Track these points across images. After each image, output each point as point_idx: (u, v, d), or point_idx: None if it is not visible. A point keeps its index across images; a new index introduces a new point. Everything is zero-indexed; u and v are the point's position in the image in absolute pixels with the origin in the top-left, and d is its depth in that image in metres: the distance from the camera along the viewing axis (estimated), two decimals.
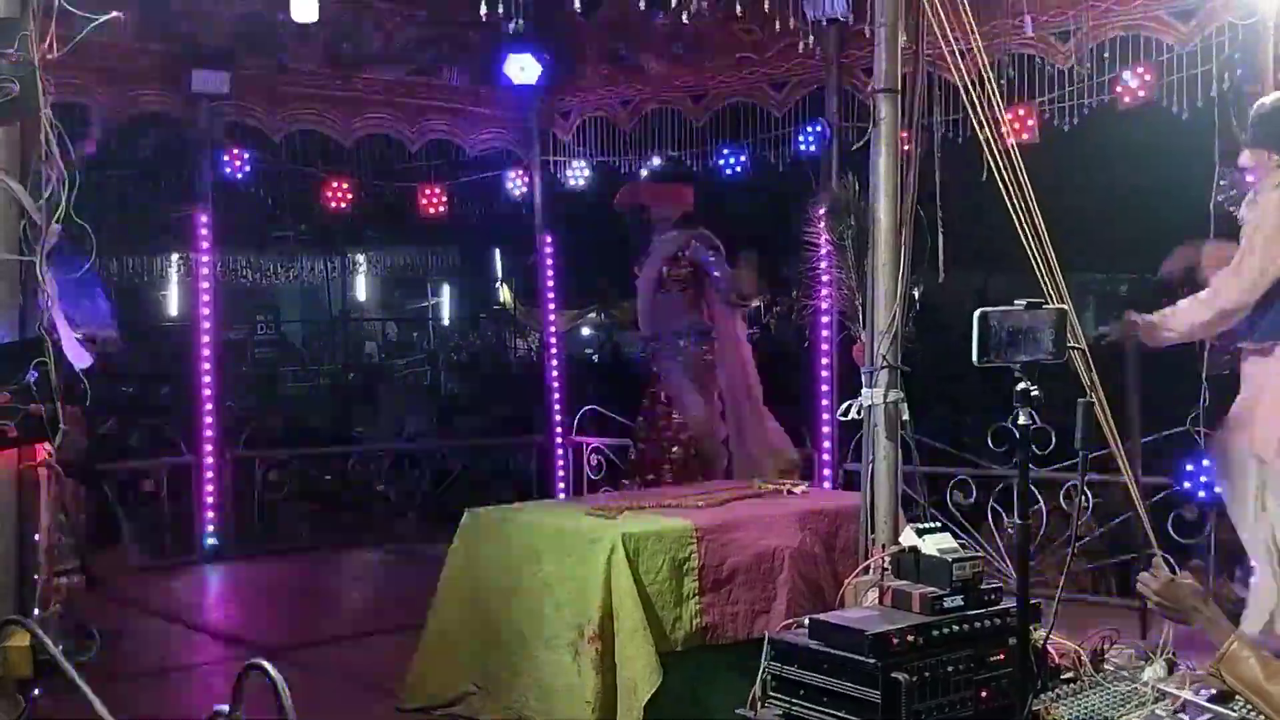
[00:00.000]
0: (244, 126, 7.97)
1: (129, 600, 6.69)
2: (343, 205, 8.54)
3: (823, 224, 5.64)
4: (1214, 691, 3.40)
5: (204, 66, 7.32)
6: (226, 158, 7.96)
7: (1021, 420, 2.94)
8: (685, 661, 4.32)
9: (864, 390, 4.37)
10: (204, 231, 7.75)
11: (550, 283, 9.05)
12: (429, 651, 4.75)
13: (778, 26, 6.15)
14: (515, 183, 8.96)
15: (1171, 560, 5.75)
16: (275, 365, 17.20)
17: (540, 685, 4.35)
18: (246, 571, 7.63)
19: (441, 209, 8.85)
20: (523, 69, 8.04)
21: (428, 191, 8.81)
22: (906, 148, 4.57)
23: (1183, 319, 4.80)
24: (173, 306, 18.67)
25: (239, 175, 8.16)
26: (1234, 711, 3.31)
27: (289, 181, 9.42)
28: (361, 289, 22.07)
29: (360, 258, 18.91)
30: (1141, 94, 6.12)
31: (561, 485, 8.90)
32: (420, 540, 8.02)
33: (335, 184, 8.44)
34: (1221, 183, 5.50)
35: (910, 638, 3.10)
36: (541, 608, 4.40)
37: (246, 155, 8.06)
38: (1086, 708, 3.39)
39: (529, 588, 4.46)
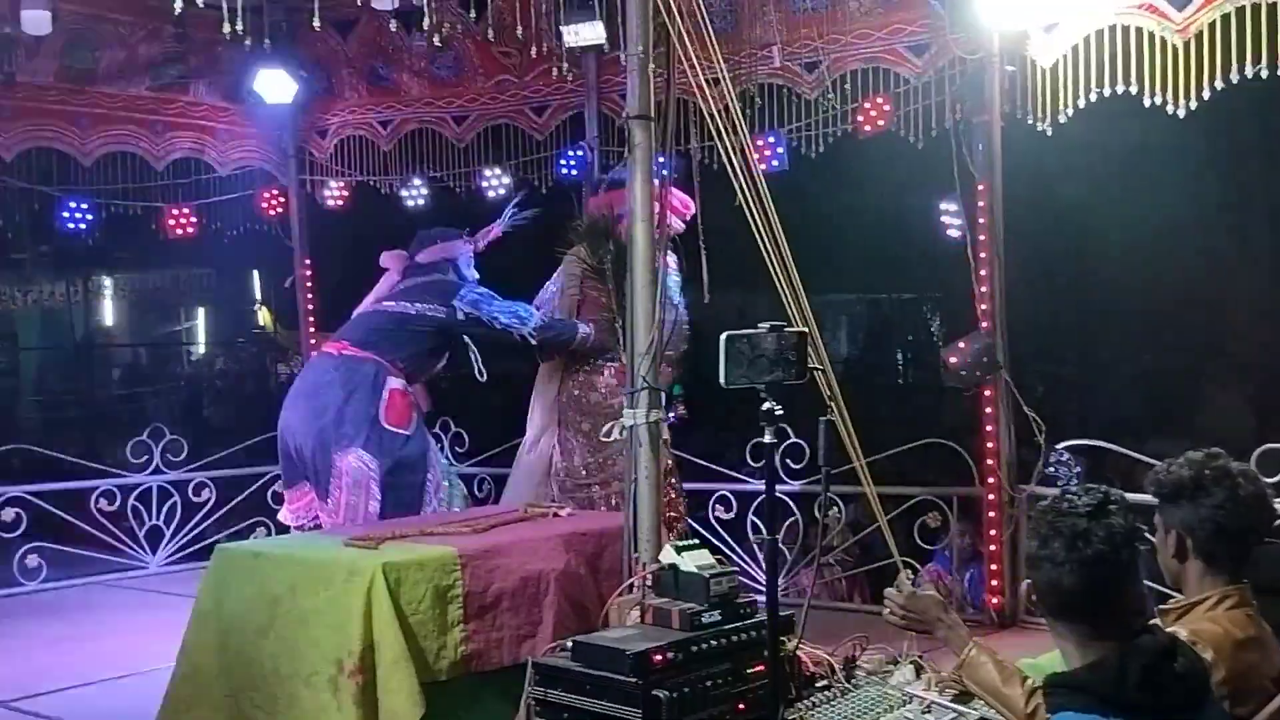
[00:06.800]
0: None
1: None
2: (82, 225, 8.08)
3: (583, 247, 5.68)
4: (957, 692, 3.59)
5: None
6: None
7: (767, 438, 3.04)
8: (451, 690, 4.25)
9: (625, 411, 4.42)
10: None
11: (310, 305, 8.80)
12: (178, 695, 4.52)
13: (534, 52, 6.19)
14: (271, 203, 8.68)
15: (917, 567, 6.09)
16: (12, 395, 16.13)
17: None
18: None
19: (190, 229, 8.49)
20: (276, 86, 7.81)
21: (175, 211, 8.43)
22: (664, 173, 4.68)
23: None
24: None
25: None
26: (975, 710, 3.51)
27: (24, 201, 8.84)
28: (108, 313, 20.90)
29: (106, 280, 17.91)
30: (880, 123, 6.44)
31: None
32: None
33: (74, 203, 7.99)
34: (951, 209, 5.84)
35: (670, 654, 3.15)
36: (299, 644, 4.24)
37: None
38: (839, 713, 3.52)
39: (285, 624, 4.30)
